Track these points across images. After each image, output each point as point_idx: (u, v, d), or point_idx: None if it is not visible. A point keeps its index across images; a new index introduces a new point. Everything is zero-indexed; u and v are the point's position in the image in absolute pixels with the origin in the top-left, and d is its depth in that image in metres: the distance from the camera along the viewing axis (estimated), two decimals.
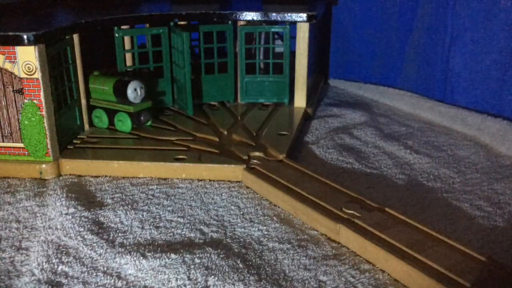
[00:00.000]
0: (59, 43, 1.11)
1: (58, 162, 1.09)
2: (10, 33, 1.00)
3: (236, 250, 0.81)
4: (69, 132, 1.18)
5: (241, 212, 0.93)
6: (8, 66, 1.03)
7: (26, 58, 1.02)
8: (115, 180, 1.06)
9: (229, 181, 1.06)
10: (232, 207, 0.96)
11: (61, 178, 1.07)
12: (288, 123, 1.33)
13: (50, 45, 1.06)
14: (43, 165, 1.07)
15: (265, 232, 0.87)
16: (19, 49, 1.01)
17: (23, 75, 1.03)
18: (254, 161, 1.10)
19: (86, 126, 1.27)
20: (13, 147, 1.08)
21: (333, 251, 0.80)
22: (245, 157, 1.11)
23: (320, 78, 1.76)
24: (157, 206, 0.95)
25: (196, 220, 0.91)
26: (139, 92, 1.25)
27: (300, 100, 1.45)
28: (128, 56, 1.37)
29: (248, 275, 0.74)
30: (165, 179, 1.07)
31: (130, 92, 1.23)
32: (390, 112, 1.46)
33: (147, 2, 1.55)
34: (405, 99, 1.51)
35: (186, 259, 0.78)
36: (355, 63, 1.75)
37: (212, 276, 0.74)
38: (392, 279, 0.75)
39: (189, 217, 0.92)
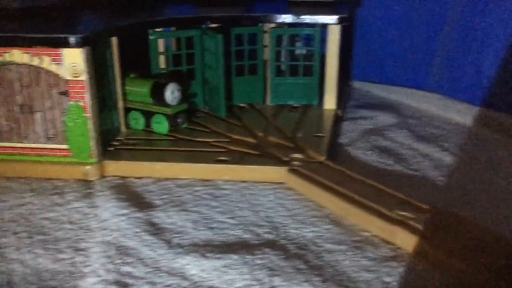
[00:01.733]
0: (101, 45, 1.12)
1: (101, 163, 1.10)
2: (57, 35, 1.01)
3: (294, 251, 0.82)
4: (109, 134, 1.19)
5: (290, 214, 0.95)
6: (53, 68, 1.03)
7: (72, 60, 1.02)
8: (159, 181, 1.07)
9: (271, 182, 1.07)
10: (280, 208, 0.97)
11: (105, 179, 1.08)
12: (321, 125, 1.34)
13: (94, 47, 1.07)
14: (87, 167, 1.08)
15: (319, 234, 0.88)
16: (65, 51, 1.02)
17: (68, 77, 1.04)
18: (295, 162, 1.11)
19: (123, 128, 1.27)
20: (57, 149, 1.09)
21: (391, 252, 0.82)
22: (286, 159, 1.12)
23: (343, 80, 1.77)
24: (206, 208, 0.96)
25: (247, 222, 0.92)
26: (176, 94, 1.26)
27: (330, 102, 1.46)
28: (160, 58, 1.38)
29: (312, 276, 0.75)
30: (207, 180, 1.08)
31: (168, 94, 1.24)
32: (419, 114, 1.48)
33: (169, 4, 1.55)
34: (434, 101, 1.52)
35: (247, 259, 0.79)
36: (379, 64, 1.76)
37: (277, 277, 0.75)
38: (455, 280, 0.76)
39: (239, 219, 0.93)
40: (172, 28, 1.40)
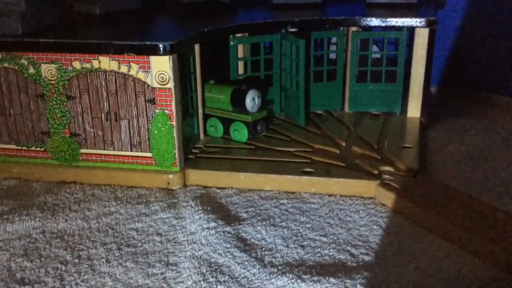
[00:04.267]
0: (185, 52, 1.10)
1: (184, 172, 1.08)
2: (147, 42, 0.99)
3: (395, 276, 0.76)
4: (189, 141, 1.17)
5: (386, 232, 0.88)
6: (141, 75, 1.02)
7: (160, 68, 1.01)
8: (243, 192, 1.04)
9: (360, 196, 1.02)
10: (374, 226, 0.91)
11: (188, 188, 1.06)
12: (407, 134, 1.27)
13: (180, 54, 1.05)
14: (171, 175, 1.06)
15: (421, 258, 0.81)
16: (153, 59, 1.00)
17: (156, 85, 1.02)
18: (386, 176, 1.04)
19: (201, 135, 1.25)
20: (140, 157, 1.08)
21: None
22: (375, 172, 1.06)
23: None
24: (295, 223, 0.92)
25: (340, 240, 0.87)
26: (256, 101, 1.22)
27: (414, 110, 1.38)
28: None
29: None
30: (293, 192, 1.04)
31: (249, 101, 1.21)
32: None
33: (243, 10, 1.52)
34: None
35: (347, 285, 0.74)
36: (460, 70, 1.66)
37: None
38: None
39: (331, 236, 0.88)
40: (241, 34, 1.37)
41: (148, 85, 1.02)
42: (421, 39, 1.32)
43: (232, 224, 0.90)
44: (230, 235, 0.87)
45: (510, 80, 1.55)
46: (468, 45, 1.63)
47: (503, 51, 1.56)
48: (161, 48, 0.99)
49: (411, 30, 1.33)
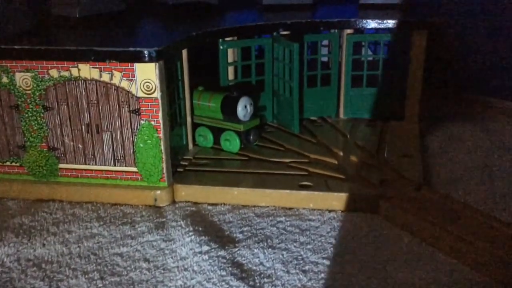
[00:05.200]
0: (172, 57, 1.02)
1: (172, 187, 1.00)
2: (131, 49, 0.91)
3: None
4: (178, 154, 1.09)
5: (395, 254, 0.82)
6: (125, 84, 0.94)
7: (146, 76, 0.93)
8: (236, 209, 0.96)
9: (362, 211, 0.95)
10: (380, 245, 0.84)
11: (176, 205, 0.98)
12: (406, 141, 1.21)
13: (166, 60, 0.97)
14: (158, 191, 0.98)
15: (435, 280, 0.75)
16: (138, 66, 0.92)
17: (141, 94, 0.94)
18: (388, 189, 0.98)
19: (190, 145, 1.18)
20: (125, 171, 1.00)
21: None
22: (377, 184, 1.00)
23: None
24: (294, 244, 0.85)
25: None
26: (248, 109, 1.15)
27: (412, 116, 1.32)
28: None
29: None
30: (290, 208, 0.96)
31: (240, 109, 1.13)
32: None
33: (231, 11, 1.44)
34: None
35: None
36: (450, 71, 1.61)
37: None
38: None
39: (336, 259, 0.81)
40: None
41: (133, 95, 0.94)
42: (419, 41, 1.26)
43: (226, 247, 0.83)
44: (225, 261, 0.80)
45: (504, 82, 1.50)
46: (461, 46, 1.58)
47: (497, 52, 1.51)
48: (147, 55, 0.91)
49: (410, 31, 1.27)
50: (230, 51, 1.24)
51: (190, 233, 0.86)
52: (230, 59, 1.25)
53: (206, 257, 0.80)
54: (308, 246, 0.84)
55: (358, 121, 1.34)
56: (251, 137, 1.17)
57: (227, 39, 1.22)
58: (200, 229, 0.88)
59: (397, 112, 1.32)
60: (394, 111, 1.33)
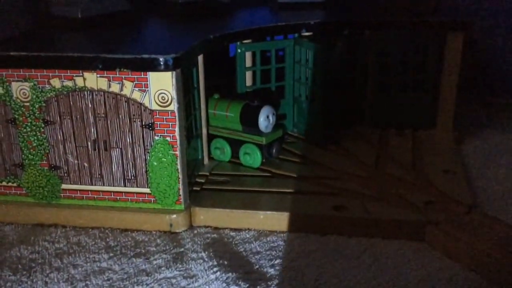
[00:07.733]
0: (188, 65, 0.91)
1: (190, 210, 0.89)
2: (145, 56, 0.80)
3: None
4: (194, 170, 0.98)
5: None
6: (136, 95, 0.83)
7: (161, 86, 0.81)
8: (263, 235, 0.85)
9: (407, 239, 0.84)
10: (430, 280, 0.73)
11: (195, 231, 0.87)
12: (442, 153, 1.10)
13: (183, 68, 0.85)
14: (174, 215, 0.87)
15: None
16: (152, 75, 0.81)
17: (155, 107, 0.83)
18: (435, 213, 0.87)
19: (206, 159, 1.06)
20: (136, 193, 0.89)
21: None
22: (421, 206, 0.89)
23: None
24: (334, 280, 0.74)
25: None
26: (271, 120, 1.04)
27: (445, 124, 1.21)
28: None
29: None
30: (324, 235, 0.85)
31: (262, 120, 1.02)
32: None
33: (243, 10, 1.32)
34: None
35: None
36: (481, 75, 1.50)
37: None
38: None
39: None
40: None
41: (146, 107, 0.83)
42: (455, 43, 1.15)
43: (258, 286, 0.72)
44: None
45: None
46: (492, 49, 1.47)
47: None
48: (162, 63, 0.79)
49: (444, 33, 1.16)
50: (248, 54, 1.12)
51: (215, 269, 0.75)
52: (248, 64, 1.13)
53: None
54: (351, 283, 0.73)
55: (385, 129, 1.23)
56: (274, 151, 1.06)
57: (244, 41, 1.11)
58: (226, 262, 0.77)
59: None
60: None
